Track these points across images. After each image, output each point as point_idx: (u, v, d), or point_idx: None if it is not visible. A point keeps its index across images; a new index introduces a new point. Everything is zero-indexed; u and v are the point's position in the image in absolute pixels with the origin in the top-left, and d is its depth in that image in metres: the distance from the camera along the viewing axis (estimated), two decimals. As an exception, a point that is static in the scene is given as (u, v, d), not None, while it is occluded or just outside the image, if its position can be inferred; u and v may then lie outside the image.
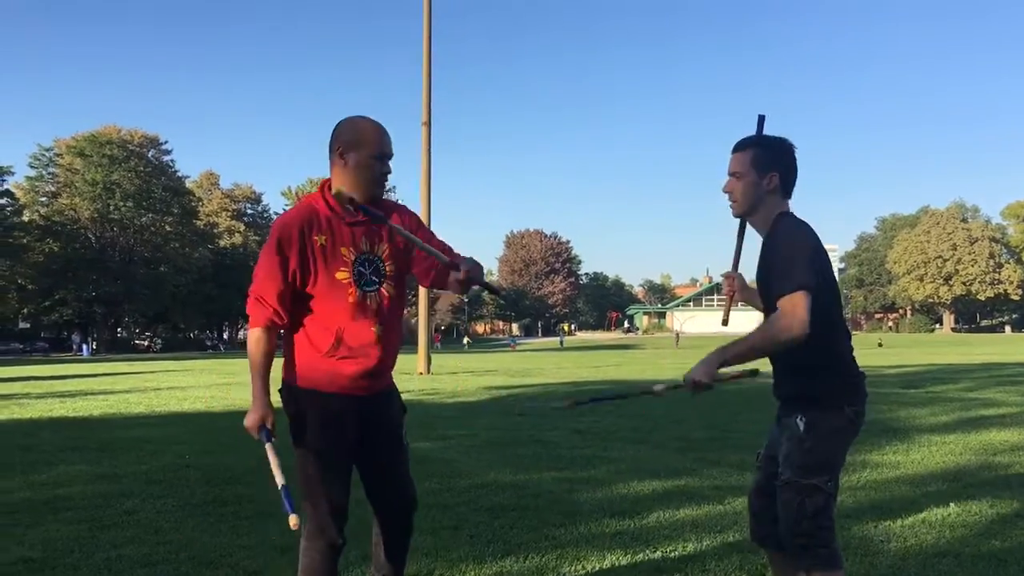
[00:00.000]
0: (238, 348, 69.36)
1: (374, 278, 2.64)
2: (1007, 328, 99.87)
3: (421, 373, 20.60)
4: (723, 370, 2.44)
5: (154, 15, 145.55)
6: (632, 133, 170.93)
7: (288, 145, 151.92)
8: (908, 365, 22.32)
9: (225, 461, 6.45)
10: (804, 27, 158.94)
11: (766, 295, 2.53)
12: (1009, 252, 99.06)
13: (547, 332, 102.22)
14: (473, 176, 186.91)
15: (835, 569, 2.45)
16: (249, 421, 2.57)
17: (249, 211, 79.79)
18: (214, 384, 17.22)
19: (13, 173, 58.95)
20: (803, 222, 2.56)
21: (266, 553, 3.83)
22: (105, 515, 4.65)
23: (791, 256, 2.43)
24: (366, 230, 2.64)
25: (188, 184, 70.60)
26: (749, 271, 2.81)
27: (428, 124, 22.09)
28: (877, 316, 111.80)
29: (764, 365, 2.46)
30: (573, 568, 3.58)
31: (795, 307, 2.36)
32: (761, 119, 2.76)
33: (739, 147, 2.62)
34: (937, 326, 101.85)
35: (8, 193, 58.25)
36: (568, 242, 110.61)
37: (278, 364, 2.62)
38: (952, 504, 4.65)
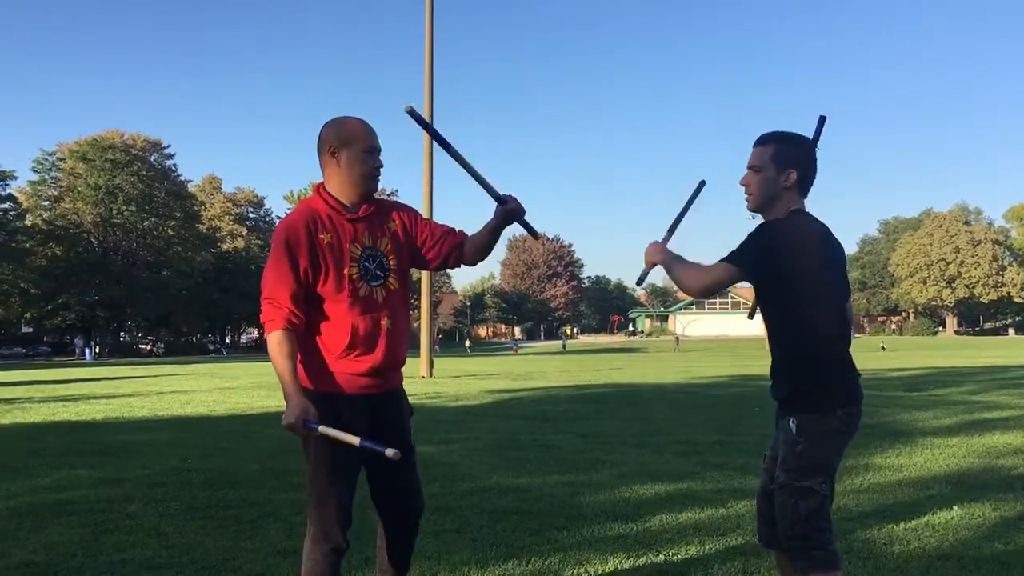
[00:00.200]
0: (240, 352, 69.51)
1: (379, 273, 2.65)
2: (1011, 331, 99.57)
3: (423, 376, 20.61)
4: None
5: (157, 20, 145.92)
6: (634, 136, 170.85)
7: (290, 149, 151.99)
8: (911, 368, 22.31)
9: (228, 465, 6.44)
10: (806, 29, 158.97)
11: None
12: (1012, 255, 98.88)
13: (549, 335, 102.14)
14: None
15: (832, 570, 2.44)
16: (289, 419, 2.43)
17: (251, 215, 79.91)
18: (216, 388, 17.23)
19: (16, 177, 59.43)
20: (805, 224, 2.55)
21: (269, 557, 3.83)
22: (108, 519, 4.65)
23: (752, 237, 2.52)
24: (368, 225, 2.66)
25: (191, 188, 70.82)
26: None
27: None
28: (880, 319, 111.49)
29: (764, 367, 2.47)
30: (575, 572, 3.58)
31: (710, 271, 2.56)
32: (821, 120, 2.75)
33: (761, 141, 2.61)
34: (940, 329, 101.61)
35: (11, 197, 58.49)
36: (570, 245, 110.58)
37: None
38: (955, 507, 4.64)
